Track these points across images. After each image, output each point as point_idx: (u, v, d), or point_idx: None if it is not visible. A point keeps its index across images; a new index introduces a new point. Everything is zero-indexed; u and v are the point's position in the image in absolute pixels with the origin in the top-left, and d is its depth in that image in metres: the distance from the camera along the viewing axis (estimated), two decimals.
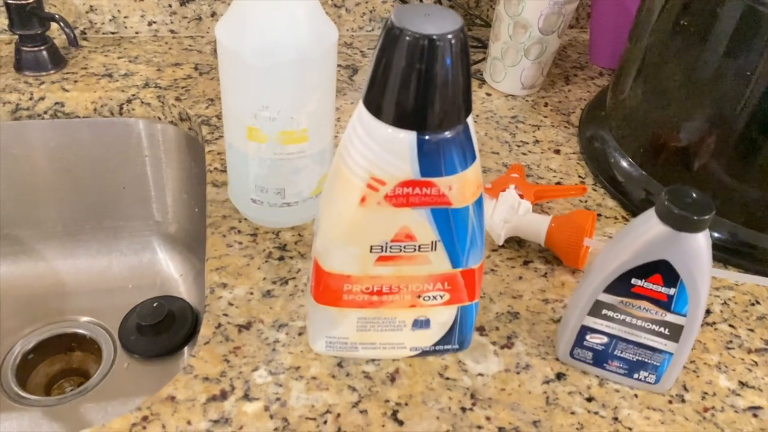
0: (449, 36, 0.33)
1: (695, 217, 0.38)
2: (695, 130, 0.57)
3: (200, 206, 0.76)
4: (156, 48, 0.78)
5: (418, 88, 0.34)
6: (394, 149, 0.36)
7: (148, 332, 0.74)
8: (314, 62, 0.47)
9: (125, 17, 0.78)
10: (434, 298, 0.43)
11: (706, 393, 0.47)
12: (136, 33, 0.80)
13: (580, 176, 0.66)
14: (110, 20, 0.78)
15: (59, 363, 0.76)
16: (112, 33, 0.79)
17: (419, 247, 0.40)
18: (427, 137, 0.35)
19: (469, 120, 0.37)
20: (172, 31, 0.80)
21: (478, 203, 0.39)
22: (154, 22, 0.79)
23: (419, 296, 0.42)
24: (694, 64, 0.56)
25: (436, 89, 0.34)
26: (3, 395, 0.69)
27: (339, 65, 0.79)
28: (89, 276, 0.80)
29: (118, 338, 0.75)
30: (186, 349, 0.74)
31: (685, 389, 0.47)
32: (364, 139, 0.36)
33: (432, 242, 0.39)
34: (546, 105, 0.75)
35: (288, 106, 0.48)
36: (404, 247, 0.40)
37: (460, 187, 0.37)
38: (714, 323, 0.52)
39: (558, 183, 0.65)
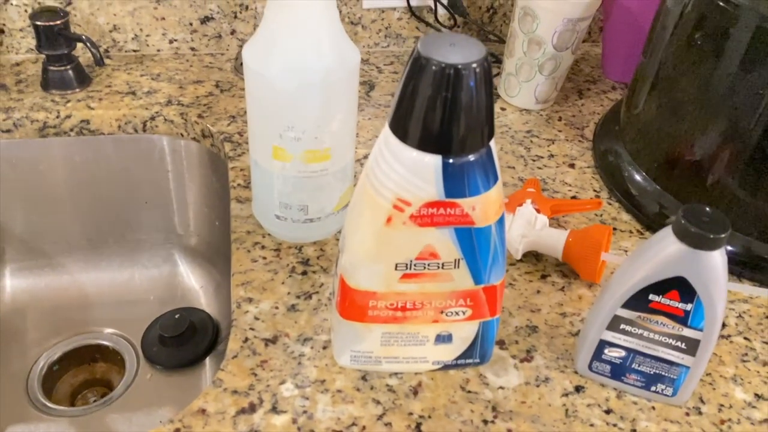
0: (474, 65, 0.34)
1: (711, 236, 0.39)
2: (709, 145, 0.59)
3: (221, 220, 0.78)
4: (177, 66, 0.80)
5: (443, 114, 0.35)
6: (420, 172, 0.37)
7: (170, 343, 0.76)
8: (338, 84, 0.49)
9: (147, 35, 0.80)
10: (456, 313, 0.44)
11: (722, 405, 0.48)
12: (158, 51, 0.82)
13: (595, 190, 0.67)
14: (133, 38, 0.80)
15: (83, 374, 0.77)
16: (135, 51, 0.81)
17: (443, 264, 0.41)
18: (451, 160, 0.37)
19: (492, 142, 0.38)
20: (192, 49, 0.82)
21: (500, 222, 0.40)
22: (175, 40, 0.81)
23: (442, 312, 0.44)
24: (708, 80, 0.57)
25: (460, 115, 0.35)
26: (30, 406, 0.71)
27: None
28: (112, 288, 0.82)
29: (140, 349, 0.76)
30: (207, 360, 0.76)
31: (702, 401, 0.48)
32: (390, 161, 0.38)
33: (455, 260, 0.41)
34: (560, 119, 0.77)
35: (312, 127, 0.50)
36: (428, 265, 0.41)
37: (483, 207, 0.39)
38: (729, 336, 0.53)
39: (573, 197, 0.66)
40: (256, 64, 0.48)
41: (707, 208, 0.40)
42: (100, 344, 0.78)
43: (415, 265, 0.41)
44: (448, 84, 0.34)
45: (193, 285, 0.83)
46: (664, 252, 0.41)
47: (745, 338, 0.53)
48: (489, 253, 0.41)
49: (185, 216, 0.81)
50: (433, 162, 0.36)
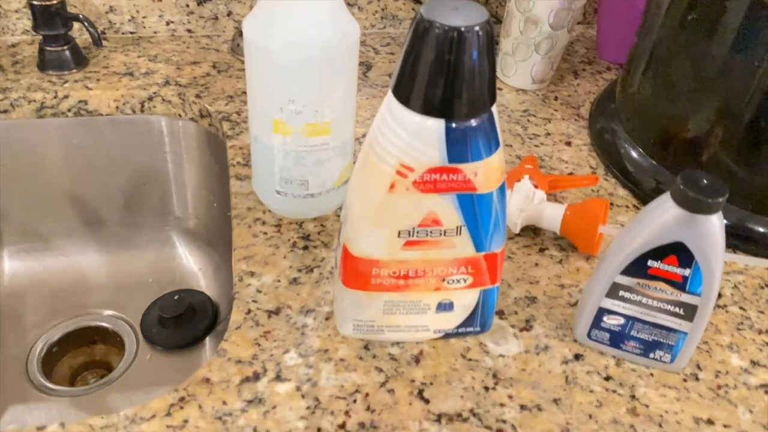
0: (477, 28, 0.35)
1: (710, 200, 0.40)
2: (704, 122, 0.59)
3: (219, 202, 0.78)
4: (174, 47, 0.80)
5: (446, 78, 0.35)
6: (423, 137, 0.37)
7: (169, 324, 0.76)
8: (338, 57, 0.49)
9: (144, 17, 0.80)
10: (458, 281, 0.44)
11: (719, 371, 0.49)
12: (155, 32, 0.82)
13: (591, 167, 0.68)
14: (129, 20, 0.80)
15: (83, 356, 0.78)
16: (131, 33, 0.81)
17: (445, 231, 0.41)
18: (454, 125, 0.37)
19: (493, 108, 0.38)
20: (189, 31, 0.82)
21: (501, 189, 0.41)
22: (172, 22, 0.81)
23: (444, 280, 0.44)
24: (703, 58, 0.58)
25: (463, 79, 0.35)
26: (30, 386, 0.71)
27: None
28: (111, 270, 0.82)
29: (140, 331, 0.76)
30: (207, 340, 0.76)
31: (699, 368, 0.49)
32: (393, 127, 0.38)
33: (457, 227, 0.41)
34: (556, 99, 0.77)
35: (313, 100, 0.50)
36: (430, 232, 0.41)
37: (485, 173, 0.39)
38: (725, 306, 0.54)
39: (570, 173, 0.66)
40: (257, 38, 0.48)
41: (704, 175, 0.41)
42: (99, 326, 0.78)
43: (417, 232, 0.41)
44: (451, 47, 0.35)
45: (192, 267, 0.83)
46: (662, 217, 0.42)
47: (741, 308, 0.54)
48: (490, 220, 0.41)
49: (183, 198, 0.81)
50: (436, 126, 0.37)
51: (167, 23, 0.81)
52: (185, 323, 0.77)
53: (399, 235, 0.41)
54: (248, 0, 0.81)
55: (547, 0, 0.70)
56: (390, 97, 0.38)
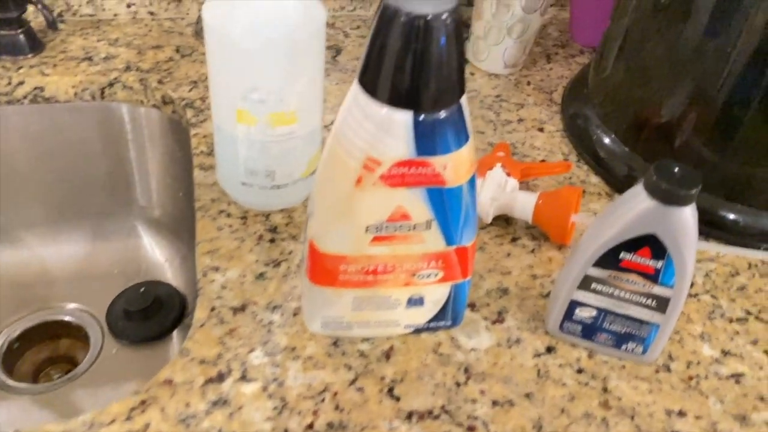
0: (444, 15, 0.33)
1: (683, 192, 0.39)
2: (677, 107, 0.59)
3: (185, 191, 0.76)
4: (136, 30, 0.77)
5: (413, 68, 0.34)
6: (390, 129, 0.36)
7: (135, 318, 0.74)
8: (304, 43, 0.47)
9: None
10: (428, 276, 0.43)
11: (690, 362, 0.48)
12: (115, 15, 0.78)
13: (563, 153, 0.67)
14: (87, 2, 0.77)
15: (46, 351, 0.75)
16: (90, 15, 0.78)
17: (414, 226, 0.40)
18: (422, 117, 0.36)
19: (463, 100, 0.37)
20: (151, 13, 0.79)
21: (472, 182, 0.40)
22: (133, 4, 0.78)
23: (414, 275, 0.43)
24: (675, 42, 0.57)
25: (431, 69, 0.34)
26: None
27: None
28: (74, 263, 0.80)
29: (105, 324, 0.74)
30: (174, 333, 0.75)
31: (671, 359, 0.48)
32: (360, 119, 0.36)
33: (427, 221, 0.40)
34: (528, 84, 0.76)
35: (277, 88, 0.48)
36: (399, 227, 0.40)
37: (454, 166, 0.38)
38: (697, 294, 0.54)
39: (543, 161, 0.65)
40: (216, 22, 0.46)
41: (678, 165, 0.40)
42: (63, 320, 0.76)
43: (386, 227, 0.40)
44: (418, 36, 0.33)
45: (158, 258, 0.81)
46: (635, 209, 0.41)
47: (712, 296, 0.54)
48: (461, 214, 0.40)
49: (147, 187, 0.79)
50: (404, 118, 0.35)
51: (128, 5, 0.78)
52: (152, 316, 0.75)
53: (367, 231, 0.40)
54: None
55: None
56: (356, 87, 0.37)
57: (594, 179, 0.64)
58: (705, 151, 0.58)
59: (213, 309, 0.48)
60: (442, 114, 0.36)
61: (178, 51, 0.74)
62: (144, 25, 0.78)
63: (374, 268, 0.42)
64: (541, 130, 0.69)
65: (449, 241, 0.41)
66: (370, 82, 0.36)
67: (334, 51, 0.78)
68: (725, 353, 0.49)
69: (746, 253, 0.56)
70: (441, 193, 0.39)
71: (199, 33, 0.77)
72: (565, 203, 0.54)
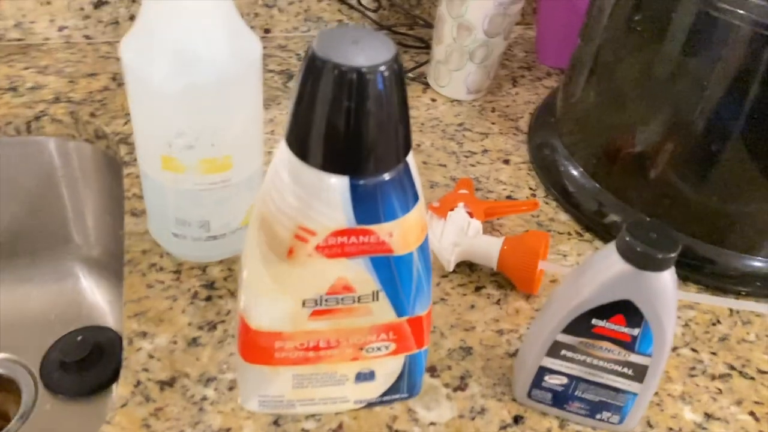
0: (382, 68, 0.28)
1: (660, 256, 0.35)
2: (651, 137, 0.54)
3: (125, 228, 0.70)
4: (68, 56, 0.71)
5: (348, 127, 0.29)
6: (324, 196, 0.31)
7: (72, 369, 0.68)
8: (236, 81, 0.42)
9: (31, 22, 0.71)
10: (378, 349, 0.38)
11: (671, 429, 0.44)
12: (45, 39, 0.72)
13: (531, 188, 0.62)
14: (14, 26, 0.71)
15: None
16: (18, 40, 0.72)
17: (359, 298, 0.35)
18: (361, 182, 0.30)
19: (410, 157, 0.32)
20: (86, 37, 0.73)
21: (423, 247, 0.35)
22: (66, 27, 0.72)
23: (361, 348, 0.38)
24: (649, 67, 0.53)
25: (369, 129, 0.29)
26: None
27: (272, 70, 0.73)
28: (5, 309, 0.73)
29: (39, 377, 0.68)
30: (115, 385, 0.68)
31: (650, 426, 0.44)
32: (289, 184, 0.31)
33: (373, 292, 0.35)
34: (493, 110, 0.72)
35: (207, 132, 0.43)
36: (342, 300, 0.35)
37: (401, 232, 0.33)
38: (676, 348, 0.49)
39: (508, 196, 0.61)
40: (134, 63, 0.41)
41: (654, 224, 0.36)
42: None
43: (326, 301, 0.35)
44: (351, 92, 0.28)
45: (98, 300, 0.75)
46: (607, 273, 0.37)
47: (693, 349, 0.49)
48: (412, 283, 0.35)
49: (83, 225, 0.72)
50: (339, 184, 0.30)
51: (60, 29, 0.72)
52: (90, 367, 0.68)
53: (304, 305, 0.35)
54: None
55: (480, 3, 0.64)
56: (283, 147, 0.32)
57: (563, 217, 0.60)
58: (681, 186, 0.54)
59: (138, 384, 0.43)
60: (385, 176, 0.31)
61: (114, 79, 0.68)
62: (78, 50, 0.72)
63: (315, 344, 0.37)
64: (506, 162, 0.65)
65: (400, 311, 0.36)
66: (298, 143, 0.30)
67: (286, 76, 0.73)
68: (708, 417, 0.45)
69: (725, 302, 0.52)
70: (388, 262, 0.34)
71: None
72: (531, 251, 0.49)
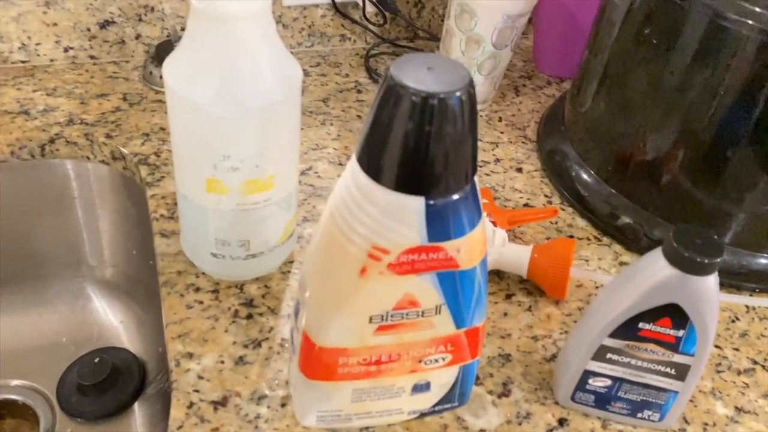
0: (459, 93, 0.29)
1: (706, 261, 0.37)
2: (662, 144, 0.57)
3: (138, 249, 0.70)
4: (76, 77, 0.70)
5: (426, 151, 0.30)
6: (399, 216, 0.32)
7: (90, 392, 0.67)
8: (280, 106, 0.43)
9: (37, 44, 0.70)
10: (436, 361, 0.39)
11: (706, 424, 0.46)
12: (51, 61, 0.72)
13: (546, 195, 0.64)
14: (20, 48, 0.70)
15: None
16: (23, 62, 0.71)
17: (423, 312, 0.36)
18: (434, 202, 0.32)
19: (475, 177, 0.33)
20: (92, 57, 0.73)
21: (484, 260, 0.36)
22: (71, 48, 0.72)
23: (420, 361, 0.39)
24: (659, 77, 0.55)
25: (446, 152, 0.30)
26: None
27: None
28: (17, 333, 0.72)
29: (56, 401, 0.67)
30: (136, 405, 0.68)
31: (686, 422, 0.46)
32: (362, 204, 0.32)
33: (436, 306, 0.36)
34: (500, 120, 0.73)
35: (253, 155, 0.43)
36: (407, 314, 0.36)
37: (468, 248, 0.34)
38: None
39: (525, 204, 0.63)
40: (180, 87, 0.41)
41: (699, 230, 0.38)
42: (7, 399, 0.68)
43: (392, 316, 0.36)
44: (432, 118, 0.29)
45: (112, 322, 0.74)
46: (654, 278, 0.38)
47: (717, 346, 0.52)
48: (473, 296, 0.36)
49: (98, 246, 0.72)
50: (415, 205, 0.31)
51: (65, 50, 0.71)
52: (109, 389, 0.68)
53: (371, 321, 0.36)
54: (159, 21, 0.72)
55: (489, 18, 0.66)
56: (355, 167, 0.32)
57: (580, 222, 0.61)
58: (693, 190, 0.56)
59: (191, 405, 0.43)
60: (456, 196, 0.32)
61: (125, 99, 0.68)
62: (85, 71, 0.72)
63: (378, 359, 0.38)
64: (519, 170, 0.67)
65: (459, 323, 0.38)
66: (372, 165, 0.31)
67: None
68: (739, 410, 0.47)
69: (739, 299, 0.54)
70: (453, 277, 0.35)
71: (147, 78, 0.71)
72: (562, 258, 0.51)
